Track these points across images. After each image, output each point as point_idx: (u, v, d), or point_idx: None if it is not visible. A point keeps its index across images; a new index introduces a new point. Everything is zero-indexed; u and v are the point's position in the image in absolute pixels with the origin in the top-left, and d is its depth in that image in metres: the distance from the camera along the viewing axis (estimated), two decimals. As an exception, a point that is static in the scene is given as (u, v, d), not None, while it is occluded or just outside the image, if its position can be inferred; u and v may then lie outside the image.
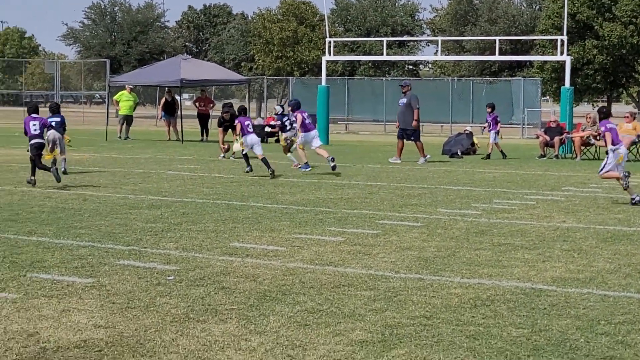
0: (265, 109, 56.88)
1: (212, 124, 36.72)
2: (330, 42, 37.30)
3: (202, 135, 36.91)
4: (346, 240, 11.37)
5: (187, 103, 64.50)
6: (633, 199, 15.63)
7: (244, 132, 20.63)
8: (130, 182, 18.47)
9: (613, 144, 15.82)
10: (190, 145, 32.97)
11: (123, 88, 38.00)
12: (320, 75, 39.34)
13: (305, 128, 21.89)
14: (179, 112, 37.08)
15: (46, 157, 17.64)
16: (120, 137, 36.45)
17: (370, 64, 73.52)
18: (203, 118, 37.51)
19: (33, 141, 17.21)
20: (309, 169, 21.67)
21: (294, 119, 22.31)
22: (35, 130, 17.24)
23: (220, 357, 6.35)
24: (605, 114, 16.30)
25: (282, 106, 25.52)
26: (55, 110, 20.41)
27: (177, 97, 39.51)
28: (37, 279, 8.70)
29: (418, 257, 10.31)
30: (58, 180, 16.93)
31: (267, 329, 7.08)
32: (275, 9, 78.14)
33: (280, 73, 72.06)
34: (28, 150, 17.64)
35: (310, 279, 9.02)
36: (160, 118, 39.75)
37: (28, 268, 9.23)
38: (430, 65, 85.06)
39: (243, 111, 21.78)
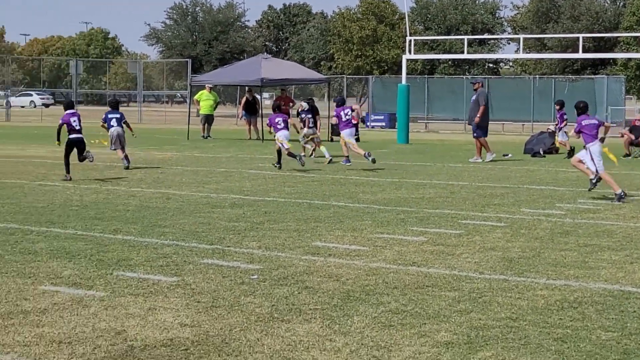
0: (344, 108, 56.84)
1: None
2: (410, 41, 37.14)
3: (283, 134, 36.94)
4: (429, 240, 11.29)
5: (267, 102, 64.84)
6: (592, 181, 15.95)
7: (276, 129, 21.62)
8: (213, 180, 18.61)
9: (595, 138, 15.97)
10: (271, 144, 32.91)
11: (204, 87, 38.35)
12: (400, 74, 39.23)
13: (345, 126, 22.81)
14: (259, 111, 37.28)
15: (104, 142, 20.80)
16: (203, 136, 36.78)
17: (450, 62, 73.07)
18: (284, 117, 37.55)
19: (71, 137, 18.30)
20: (349, 163, 22.72)
21: (342, 113, 23.04)
22: (76, 125, 18.32)
23: (305, 357, 6.34)
24: (582, 108, 16.43)
25: (308, 103, 26.18)
26: (114, 106, 21.37)
27: (258, 96, 39.66)
28: (124, 277, 8.80)
29: (502, 257, 10.19)
30: (86, 159, 18.58)
31: (352, 330, 7.05)
32: (355, 7, 78.07)
33: (359, 72, 71.97)
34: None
35: (394, 279, 8.96)
36: (241, 117, 39.96)
37: (114, 266, 9.33)
38: (511, 64, 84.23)
39: (277, 108, 23.01)
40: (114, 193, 16.08)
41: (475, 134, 25.77)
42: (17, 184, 17.30)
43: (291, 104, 38.35)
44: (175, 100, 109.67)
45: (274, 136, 21.93)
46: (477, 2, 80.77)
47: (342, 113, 22.89)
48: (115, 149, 21.16)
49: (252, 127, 37.58)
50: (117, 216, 13.04)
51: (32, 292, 8.12)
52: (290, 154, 21.35)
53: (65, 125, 18.55)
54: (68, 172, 18.22)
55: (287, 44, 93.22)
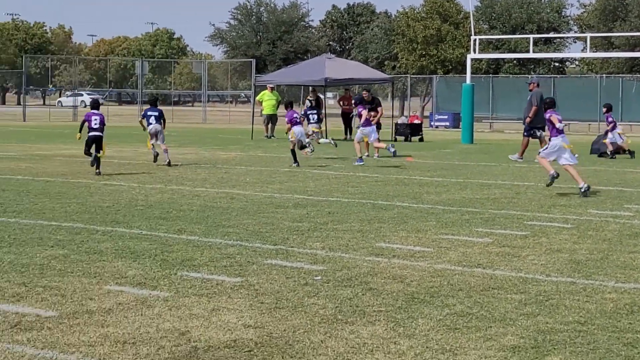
0: (408, 108, 56.65)
1: (356, 122, 36.75)
2: (475, 40, 36.86)
3: (346, 134, 37.03)
4: (494, 242, 11.15)
5: (330, 102, 64.79)
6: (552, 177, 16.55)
7: (292, 124, 22.67)
8: (276, 180, 18.62)
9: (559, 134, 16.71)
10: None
11: (266, 87, 38.46)
12: (464, 74, 38.94)
13: (365, 123, 23.67)
14: (323, 111, 37.27)
15: (148, 146, 22.08)
16: (266, 136, 36.90)
17: (515, 61, 72.44)
18: (347, 117, 37.61)
19: (90, 134, 19.68)
20: (362, 163, 22.97)
21: (359, 111, 24.13)
22: (95, 124, 19.70)
23: (370, 360, 6.28)
24: (549, 104, 17.29)
25: (310, 101, 28.09)
26: (153, 103, 22.81)
27: (321, 96, 39.68)
28: (188, 278, 8.80)
29: (569, 259, 10.02)
30: (92, 165, 19.45)
31: (416, 332, 6.97)
32: (419, 7, 77.85)
33: (423, 71, 71.68)
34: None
35: (459, 281, 8.86)
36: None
37: (178, 266, 9.35)
38: (577, 62, 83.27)
39: (290, 104, 23.76)
40: (179, 193, 16.16)
41: (525, 133, 25.79)
42: (83, 184, 17.47)
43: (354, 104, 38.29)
44: (239, 100, 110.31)
45: (289, 131, 22.82)
46: (542, 0, 79.97)
47: (363, 111, 23.75)
48: (153, 144, 22.28)
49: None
50: (182, 216, 13.09)
51: (97, 291, 8.16)
52: (293, 150, 22.44)
53: (85, 121, 19.95)
54: (94, 165, 19.58)
55: (350, 44, 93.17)
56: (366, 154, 25.48)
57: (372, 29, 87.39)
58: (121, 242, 10.76)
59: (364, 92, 27.97)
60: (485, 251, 10.50)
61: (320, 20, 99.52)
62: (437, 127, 53.40)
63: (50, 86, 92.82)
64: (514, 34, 72.43)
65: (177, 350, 6.43)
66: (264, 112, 38.32)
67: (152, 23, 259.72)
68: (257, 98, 38.77)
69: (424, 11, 76.00)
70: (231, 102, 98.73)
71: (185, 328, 6.98)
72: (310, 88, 39.47)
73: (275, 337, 6.79)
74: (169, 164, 21.59)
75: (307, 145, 22.94)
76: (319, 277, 8.89)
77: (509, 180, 19.27)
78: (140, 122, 22.75)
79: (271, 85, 38.46)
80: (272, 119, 37.77)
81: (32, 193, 15.74)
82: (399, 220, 12.95)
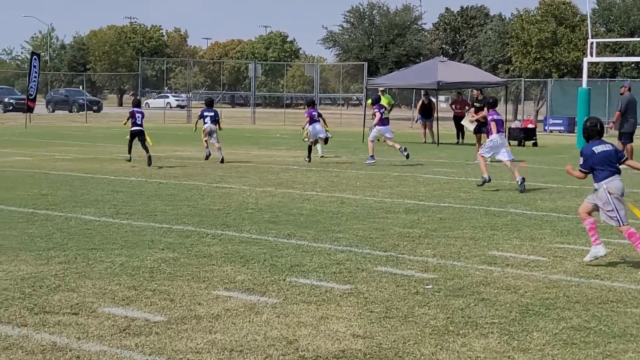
0: (522, 112, 55.80)
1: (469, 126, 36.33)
2: (592, 43, 36.05)
3: (458, 138, 36.63)
4: (612, 252, 10.76)
5: (442, 105, 64.29)
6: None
7: (312, 121, 24.49)
8: (387, 185, 18.44)
9: (498, 132, 18.06)
10: (446, 147, 32.72)
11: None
12: (580, 77, 38.13)
13: (381, 123, 24.30)
14: (435, 114, 36.96)
15: (204, 145, 23.64)
16: (378, 140, 36.67)
17: (633, 64, 70.72)
18: (459, 120, 37.18)
19: (133, 129, 22.39)
20: (373, 161, 23.80)
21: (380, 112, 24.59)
22: (139, 120, 22.38)
23: (482, 375, 6.06)
24: (492, 104, 18.58)
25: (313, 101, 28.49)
26: (210, 104, 24.44)
27: (434, 100, 39.35)
28: (296, 284, 8.70)
29: (693, 272, 9.59)
30: (149, 164, 21.62)
31: (531, 347, 6.71)
32: (534, 9, 76.61)
33: (537, 75, 70.53)
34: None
35: (575, 292, 8.55)
36: (417, 120, 39.76)
37: (287, 272, 9.26)
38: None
39: (312, 103, 25.73)
40: (289, 196, 16.11)
41: (622, 140, 25.43)
42: (194, 186, 17.58)
43: (467, 107, 37.85)
44: (351, 102, 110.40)
45: (305, 129, 24.81)
46: (663, 2, 77.88)
47: (379, 112, 24.42)
48: (206, 140, 23.78)
49: (427, 130, 37.37)
50: (291, 220, 13.02)
51: (206, 296, 8.12)
52: (309, 147, 24.41)
53: (130, 117, 22.65)
54: (129, 152, 22.79)
55: (463, 47, 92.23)
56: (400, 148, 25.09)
57: (485, 32, 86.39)
58: (231, 246, 10.74)
59: (475, 90, 27.80)
60: (603, 261, 10.13)
61: (433, 23, 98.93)
62: (551, 131, 52.42)
63: (166, 88, 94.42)
64: (632, 36, 70.70)
65: (285, 359, 6.31)
66: (375, 116, 38.17)
67: (265, 26, 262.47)
68: (368, 102, 38.61)
69: (539, 14, 74.78)
70: (343, 104, 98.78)
71: (293, 336, 6.86)
72: (423, 91, 39.19)
73: (384, 348, 6.62)
74: (222, 161, 23.00)
75: (324, 138, 24.82)
76: (430, 286, 8.69)
77: (628, 187, 18.64)
78: (196, 122, 24.74)
79: (381, 88, 38.26)
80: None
81: (145, 195, 15.90)
82: (513, 227, 12.64)
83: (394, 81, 40.37)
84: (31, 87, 48.39)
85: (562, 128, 52.43)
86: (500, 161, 18.75)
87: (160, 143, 31.32)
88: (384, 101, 37.53)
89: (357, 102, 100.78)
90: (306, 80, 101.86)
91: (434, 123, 36.30)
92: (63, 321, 7.18)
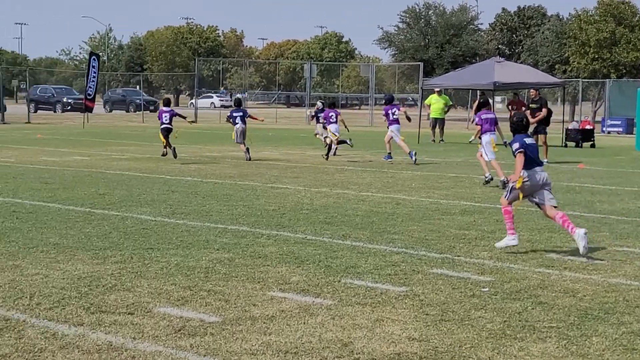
0: (579, 113, 55.19)
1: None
2: (652, 43, 35.55)
3: (515, 139, 36.33)
4: (673, 256, 10.57)
5: (498, 106, 63.81)
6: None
7: (329, 122, 25.69)
8: (443, 186, 18.32)
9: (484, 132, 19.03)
10: (503, 148, 32.35)
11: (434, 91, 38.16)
12: (638, 78, 37.63)
13: (392, 122, 24.77)
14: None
15: (242, 149, 24.51)
16: (433, 141, 36.55)
17: (693, 65, 69.65)
18: (515, 121, 36.91)
19: (162, 127, 24.26)
20: (391, 159, 24.52)
21: (390, 111, 25.05)
22: (165, 119, 24.27)
23: (540, 380, 5.96)
24: (483, 104, 19.74)
25: (322, 102, 29.90)
26: (238, 104, 25.88)
27: (490, 100, 39.07)
28: (351, 285, 8.65)
29: None
30: (174, 156, 23.56)
31: (590, 352, 6.60)
32: (592, 9, 75.76)
33: (595, 75, 69.74)
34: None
35: (635, 297, 8.40)
36: (473, 121, 39.49)
37: (342, 273, 9.21)
38: None
39: (333, 104, 27.11)
40: (344, 197, 16.07)
41: None
42: (250, 186, 17.61)
43: (524, 108, 37.50)
44: (407, 103, 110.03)
45: (327, 129, 25.69)
46: None
47: (390, 112, 24.83)
48: (239, 143, 24.88)
49: (483, 131, 37.16)
50: (347, 221, 12.97)
51: (261, 297, 8.10)
52: (339, 142, 25.68)
53: (158, 117, 24.68)
54: (165, 147, 24.53)
55: (520, 47, 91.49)
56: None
57: (542, 32, 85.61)
58: (286, 246, 10.72)
59: (533, 90, 27.71)
60: (664, 266, 9.96)
61: (489, 24, 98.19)
62: (609, 132, 51.84)
63: (222, 88, 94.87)
64: (692, 36, 69.64)
65: (340, 362, 6.27)
66: (431, 116, 38.02)
67: (321, 27, 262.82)
68: (426, 101, 38.48)
69: (598, 14, 73.93)
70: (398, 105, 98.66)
71: (348, 339, 6.81)
72: (479, 92, 38.93)
73: (440, 351, 6.54)
74: (248, 159, 24.05)
75: (348, 141, 25.79)
76: (487, 289, 8.59)
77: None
78: (228, 121, 25.78)
79: (438, 89, 38.10)
80: (439, 122, 37.40)
81: (200, 195, 15.95)
82: (571, 230, 12.45)
83: (450, 81, 40.19)
84: (90, 87, 48.93)
85: (621, 129, 51.83)
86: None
87: (214, 143, 31.47)
88: (440, 102, 37.56)
89: (413, 102, 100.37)
90: (361, 80, 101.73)
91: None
92: (119, 321, 7.21)
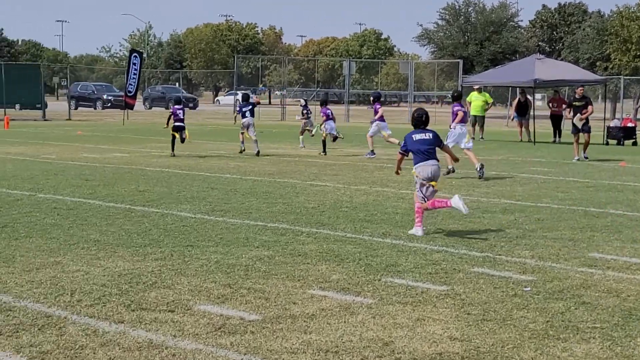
0: (621, 110, 54.67)
1: (566, 124, 35.71)
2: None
3: (555, 136, 36.11)
4: None
5: (538, 103, 63.39)
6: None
7: (327, 119, 26.58)
8: (483, 184, 18.20)
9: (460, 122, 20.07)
10: (543, 146, 32.22)
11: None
12: (683, 75, 37.18)
13: (381, 118, 25.18)
14: (531, 112, 36.45)
15: (246, 136, 25.70)
16: (473, 139, 36.30)
17: None
18: (556, 119, 36.68)
19: (176, 124, 24.47)
20: (374, 156, 24.92)
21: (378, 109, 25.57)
22: (181, 115, 24.62)
23: (584, 382, 5.88)
24: (456, 97, 20.93)
25: (305, 100, 30.99)
26: (246, 99, 26.35)
27: (530, 98, 38.79)
28: (392, 284, 8.60)
29: None
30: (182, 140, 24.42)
31: (635, 353, 6.51)
32: (634, 6, 75.01)
33: (637, 72, 69.07)
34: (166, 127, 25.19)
35: (680, 297, 8.28)
36: (512, 118, 39.28)
37: (383, 272, 9.16)
38: None
39: (325, 102, 27.74)
40: (383, 195, 16.01)
41: None
42: (289, 184, 17.60)
43: (564, 106, 37.21)
44: (445, 100, 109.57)
45: (323, 126, 26.63)
46: None
47: (381, 108, 25.46)
48: (243, 134, 25.80)
49: (523, 129, 36.89)
50: (387, 219, 12.92)
51: (301, 295, 8.07)
52: (323, 141, 26.33)
53: (172, 115, 24.66)
54: (173, 150, 24.52)
55: (561, 44, 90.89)
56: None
57: (583, 29, 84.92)
58: (326, 244, 10.69)
59: (579, 88, 27.17)
60: None
61: (529, 20, 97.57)
62: (651, 130, 51.26)
63: (261, 85, 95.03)
64: None
65: (381, 361, 6.23)
66: (471, 113, 37.76)
67: (360, 24, 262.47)
68: (467, 99, 38.28)
69: (639, 10, 73.23)
70: (437, 102, 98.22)
71: (389, 338, 6.77)
72: (519, 89, 38.70)
73: (482, 351, 6.48)
74: (257, 154, 24.84)
75: (338, 135, 26.85)
76: (529, 288, 8.51)
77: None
78: (235, 116, 27.04)
79: (478, 86, 37.87)
80: (479, 120, 37.16)
81: (240, 192, 15.96)
82: (613, 229, 12.33)
83: (490, 79, 39.95)
84: (130, 84, 49.17)
85: (663, 127, 51.21)
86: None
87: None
88: (480, 99, 37.33)
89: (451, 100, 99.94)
90: (400, 77, 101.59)
91: (530, 121, 35.81)
92: (159, 318, 7.21)
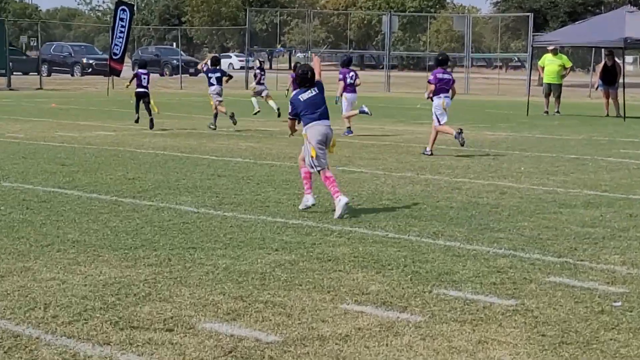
0: None
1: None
2: None
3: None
4: None
5: (629, 68, 63.16)
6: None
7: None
8: (560, 171, 18.19)
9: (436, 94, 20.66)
10: (635, 123, 32.11)
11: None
12: None
13: (349, 90, 25.96)
14: (620, 80, 36.28)
15: (220, 109, 26.97)
16: (546, 113, 36.27)
17: None
18: (652, 88, 36.54)
19: (138, 90, 26.86)
20: (351, 134, 25.63)
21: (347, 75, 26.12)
22: (143, 82, 26.75)
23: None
24: (440, 62, 21.45)
25: (260, 61, 33.14)
26: (215, 63, 27.99)
27: (619, 61, 38.61)
28: (446, 297, 8.60)
29: None
30: (151, 127, 25.92)
31: None
32: None
33: None
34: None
35: None
36: (597, 88, 39.15)
37: (434, 282, 9.17)
38: None
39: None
40: (434, 184, 16.03)
41: None
42: (316, 170, 17.60)
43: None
44: (512, 65, 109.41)
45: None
46: None
47: (347, 75, 25.97)
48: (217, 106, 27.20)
49: (610, 101, 36.72)
50: (438, 215, 12.93)
51: (332, 311, 8.09)
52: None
53: (135, 77, 27.21)
54: (137, 112, 27.29)
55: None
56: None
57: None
58: (362, 247, 10.71)
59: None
60: None
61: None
62: None
63: (279, 46, 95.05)
64: None
65: (433, 395, 6.24)
66: (544, 81, 37.72)
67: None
68: (539, 63, 38.16)
69: None
70: (501, 67, 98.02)
71: (443, 366, 6.78)
72: (605, 51, 38.54)
73: (563, 383, 6.47)
74: (234, 123, 26.66)
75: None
76: (619, 303, 8.50)
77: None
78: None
79: (552, 47, 37.71)
80: (554, 89, 37.04)
81: (254, 180, 16.02)
82: None
83: (568, 38, 39.76)
84: (116, 45, 49.34)
85: None
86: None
87: (270, 115, 31.53)
88: (555, 63, 37.20)
89: (520, 64, 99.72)
90: (454, 36, 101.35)
91: (619, 91, 35.65)
92: (154, 339, 7.24)
